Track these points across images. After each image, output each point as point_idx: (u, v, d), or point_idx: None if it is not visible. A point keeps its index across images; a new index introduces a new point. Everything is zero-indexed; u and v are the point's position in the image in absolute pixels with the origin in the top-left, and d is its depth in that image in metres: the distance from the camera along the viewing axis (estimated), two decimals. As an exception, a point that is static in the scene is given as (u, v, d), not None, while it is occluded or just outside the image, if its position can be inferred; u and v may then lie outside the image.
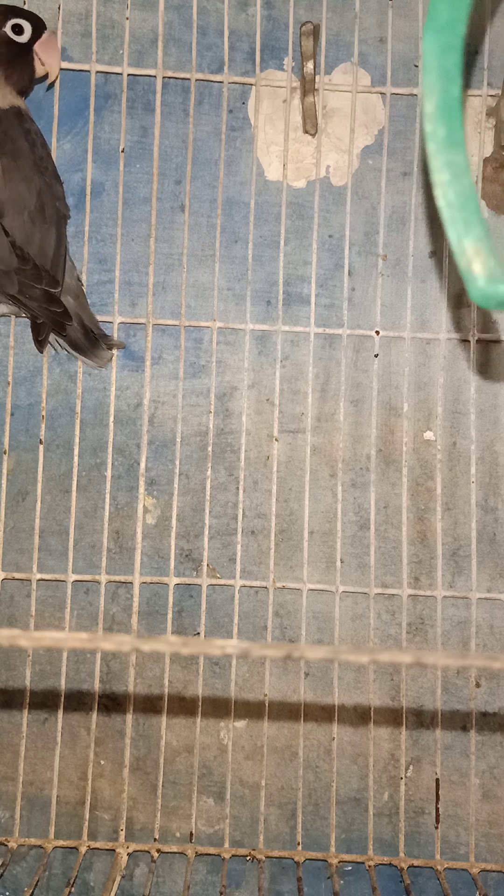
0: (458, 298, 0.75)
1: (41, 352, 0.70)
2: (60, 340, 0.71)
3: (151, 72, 0.74)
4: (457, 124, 0.26)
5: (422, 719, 0.73)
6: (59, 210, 0.69)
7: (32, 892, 0.64)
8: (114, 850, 0.71)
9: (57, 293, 0.67)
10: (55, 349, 0.73)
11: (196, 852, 0.70)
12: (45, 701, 0.73)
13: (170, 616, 0.72)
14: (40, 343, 0.69)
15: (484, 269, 0.25)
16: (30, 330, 0.74)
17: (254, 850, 0.71)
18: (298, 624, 0.73)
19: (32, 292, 0.66)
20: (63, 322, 0.68)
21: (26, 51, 0.69)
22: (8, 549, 0.74)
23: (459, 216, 0.26)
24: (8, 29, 0.68)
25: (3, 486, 0.73)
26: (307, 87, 0.72)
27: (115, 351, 0.73)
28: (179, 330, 0.74)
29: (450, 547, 0.74)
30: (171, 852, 0.71)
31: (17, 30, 0.68)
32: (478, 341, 0.74)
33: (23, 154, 0.67)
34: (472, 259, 0.26)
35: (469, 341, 0.74)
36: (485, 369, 0.75)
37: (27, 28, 0.68)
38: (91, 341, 0.71)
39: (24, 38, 0.68)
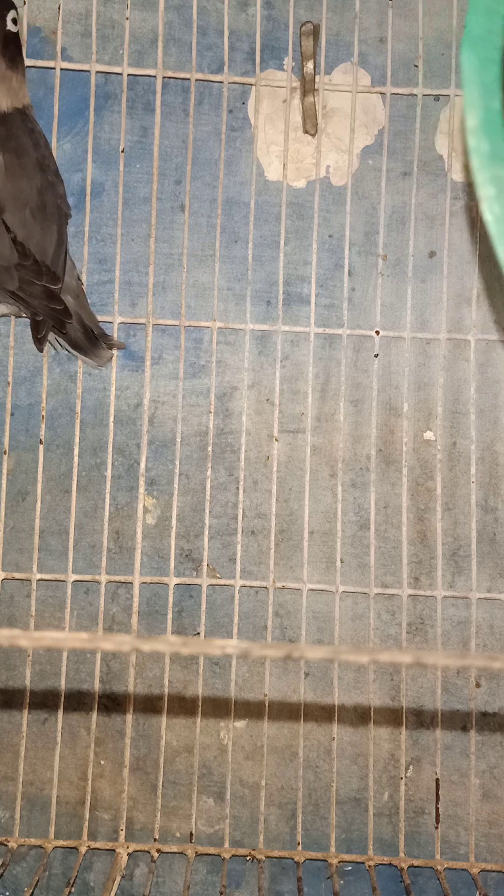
0: (459, 298, 0.75)
1: (41, 350, 0.70)
2: (60, 339, 0.71)
3: (151, 72, 0.74)
4: (500, 138, 0.26)
5: (422, 719, 0.73)
6: (61, 208, 0.69)
7: (32, 892, 0.64)
8: (114, 850, 0.71)
9: (57, 290, 0.67)
10: (55, 349, 0.73)
11: (196, 852, 0.70)
12: (45, 701, 0.73)
13: (170, 616, 0.72)
14: (40, 341, 0.68)
15: None
16: (29, 330, 0.74)
17: (254, 850, 0.71)
18: (298, 624, 0.73)
19: (33, 289, 0.66)
20: (63, 320, 0.68)
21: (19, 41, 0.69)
22: (8, 549, 0.74)
23: None
24: (8, 22, 0.67)
25: (3, 486, 0.73)
26: (307, 87, 0.72)
27: (115, 351, 0.73)
28: (179, 330, 0.74)
29: (450, 547, 0.74)
30: (171, 852, 0.71)
31: (14, 21, 0.68)
32: (478, 341, 0.74)
33: (26, 152, 0.67)
34: None
35: (469, 341, 0.74)
36: (485, 369, 0.75)
37: (17, 16, 0.69)
38: (91, 341, 0.71)
39: (17, 28, 0.68)
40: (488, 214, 0.26)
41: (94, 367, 0.73)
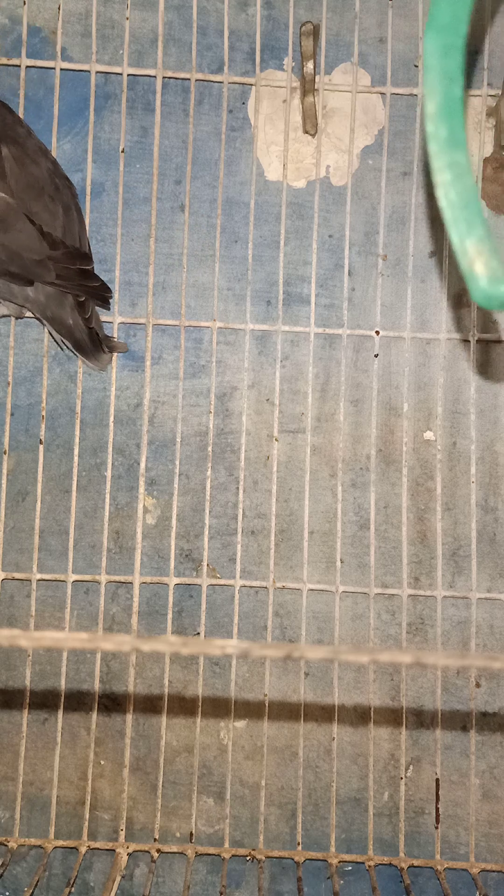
0: (458, 298, 0.75)
1: (91, 328, 0.70)
2: (65, 340, 0.70)
3: (151, 72, 0.74)
4: (458, 125, 0.26)
5: (422, 719, 0.73)
6: (70, 187, 0.70)
7: (32, 892, 0.64)
8: (114, 850, 0.71)
9: (91, 268, 0.68)
10: (61, 349, 0.73)
11: (196, 852, 0.70)
12: (45, 701, 0.73)
13: (170, 616, 0.72)
14: (87, 321, 0.70)
15: (486, 269, 0.25)
16: (29, 330, 0.75)
17: (254, 850, 0.71)
18: (298, 624, 0.73)
19: (69, 274, 0.66)
20: (104, 295, 0.69)
21: None
22: (8, 549, 0.74)
23: (461, 216, 0.26)
24: None
25: (3, 486, 0.73)
26: (307, 87, 0.72)
27: (115, 354, 0.73)
28: (179, 330, 0.74)
29: (450, 547, 0.74)
30: (171, 852, 0.71)
31: None
32: (478, 341, 0.74)
33: (24, 138, 0.67)
34: (474, 259, 0.26)
35: (469, 341, 0.74)
36: (485, 369, 0.75)
37: None
38: (94, 344, 0.71)
39: None
40: (443, 200, 0.26)
41: (93, 370, 0.73)
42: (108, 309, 0.72)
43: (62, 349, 0.73)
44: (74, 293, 0.68)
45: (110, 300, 0.71)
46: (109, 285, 0.73)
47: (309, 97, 0.73)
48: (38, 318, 0.71)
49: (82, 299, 0.69)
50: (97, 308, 0.72)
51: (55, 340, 0.72)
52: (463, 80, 0.26)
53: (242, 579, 0.73)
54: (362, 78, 0.76)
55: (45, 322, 0.70)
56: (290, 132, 0.75)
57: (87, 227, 0.73)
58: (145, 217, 0.75)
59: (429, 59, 0.26)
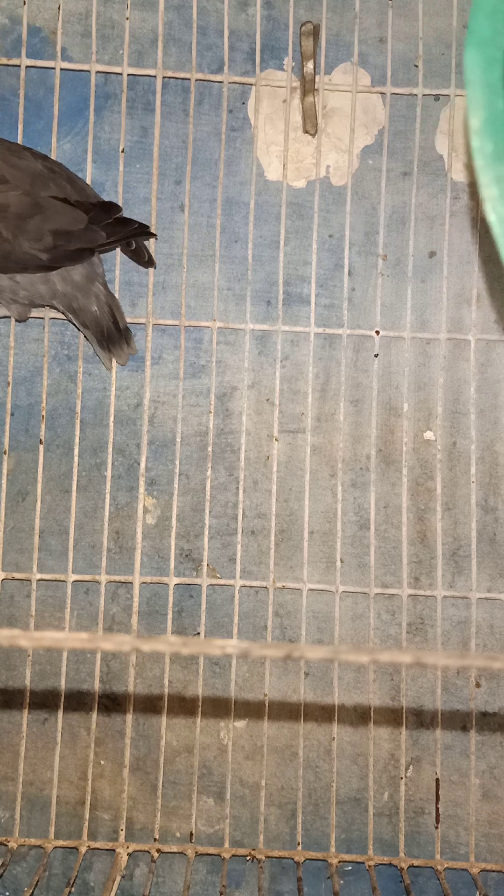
0: (459, 298, 0.75)
1: (154, 266, 0.73)
2: (90, 335, 0.71)
3: (151, 72, 0.74)
4: (503, 139, 0.26)
5: (422, 719, 0.73)
6: (57, 163, 0.70)
7: (32, 892, 0.64)
8: (114, 850, 0.71)
9: (122, 213, 0.69)
10: (86, 338, 0.73)
11: (196, 852, 0.70)
12: (45, 701, 0.73)
13: (170, 616, 0.72)
14: (148, 262, 0.72)
15: None
16: (29, 330, 0.75)
17: (254, 850, 0.71)
18: (298, 624, 0.73)
19: (113, 228, 0.67)
20: (147, 231, 0.71)
21: None
22: (8, 549, 0.74)
23: None
24: None
25: (3, 486, 0.73)
26: (307, 87, 0.72)
27: (135, 346, 0.73)
28: (179, 330, 0.74)
29: (450, 547, 0.74)
30: (171, 852, 0.71)
31: None
32: (478, 341, 0.74)
33: None
34: None
35: (469, 341, 0.74)
36: (485, 369, 0.75)
37: None
38: (120, 333, 0.71)
39: None
40: (492, 215, 0.26)
41: (119, 363, 0.73)
42: (156, 237, 0.73)
43: (88, 340, 0.72)
44: (127, 239, 0.69)
45: (150, 230, 0.72)
46: (109, 285, 0.73)
47: (309, 97, 0.73)
48: (63, 313, 0.71)
49: (133, 248, 0.71)
50: (118, 300, 0.72)
51: (82, 333, 0.72)
52: None
53: (242, 579, 0.73)
54: (362, 78, 0.76)
55: (71, 315, 0.70)
56: (290, 132, 0.75)
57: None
58: (145, 217, 0.75)
59: (470, 72, 0.26)
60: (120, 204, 0.74)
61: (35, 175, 0.66)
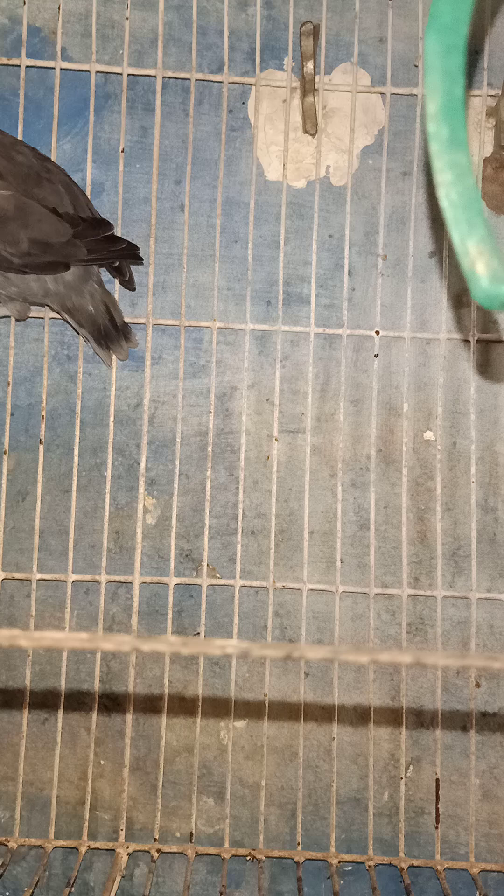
0: (458, 298, 0.75)
1: (133, 289, 0.72)
2: (86, 333, 0.71)
3: (151, 72, 0.74)
4: (459, 125, 0.26)
5: (422, 719, 0.73)
6: (56, 165, 0.70)
7: (32, 892, 0.64)
8: (114, 850, 0.71)
9: (113, 232, 0.68)
10: (78, 332, 0.73)
11: (196, 852, 0.70)
12: (45, 701, 0.73)
13: (170, 616, 0.72)
14: (128, 283, 0.72)
15: (487, 269, 0.25)
16: (29, 330, 0.75)
17: (254, 850, 0.71)
18: (298, 624, 0.73)
19: (98, 246, 0.67)
20: (135, 253, 0.70)
21: None
22: (8, 549, 0.74)
23: (462, 217, 0.26)
24: None
25: (3, 486, 0.73)
26: (307, 87, 0.72)
27: (135, 340, 0.73)
28: (179, 330, 0.74)
29: (450, 547, 0.74)
30: (171, 852, 0.71)
31: None
32: (478, 341, 0.74)
33: None
34: (475, 260, 0.26)
35: (469, 341, 0.74)
36: (485, 369, 0.75)
37: None
38: (117, 330, 0.71)
39: None
40: (444, 200, 0.26)
41: (119, 359, 0.73)
42: (142, 263, 0.73)
43: (86, 340, 0.72)
44: (109, 260, 0.68)
45: (141, 255, 0.72)
46: (108, 286, 0.73)
47: (309, 97, 0.73)
48: (58, 312, 0.71)
49: (116, 265, 0.70)
50: (114, 297, 0.72)
51: (77, 332, 0.72)
52: (464, 80, 0.26)
53: (242, 579, 0.73)
54: (362, 78, 0.76)
55: (65, 315, 0.70)
56: (290, 132, 0.75)
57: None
58: (145, 217, 0.75)
59: (430, 58, 0.26)
60: (119, 204, 0.74)
61: (30, 174, 0.66)
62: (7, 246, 0.64)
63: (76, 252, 0.66)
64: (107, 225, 0.68)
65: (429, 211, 0.76)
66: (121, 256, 0.69)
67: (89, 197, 0.73)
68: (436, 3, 0.26)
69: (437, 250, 0.75)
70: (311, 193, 0.76)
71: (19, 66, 0.73)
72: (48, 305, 0.71)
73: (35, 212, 0.64)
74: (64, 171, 0.70)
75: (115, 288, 0.73)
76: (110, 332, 0.71)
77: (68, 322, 0.71)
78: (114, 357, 0.73)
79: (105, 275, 0.73)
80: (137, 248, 0.70)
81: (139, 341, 0.74)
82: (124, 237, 0.75)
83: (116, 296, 0.73)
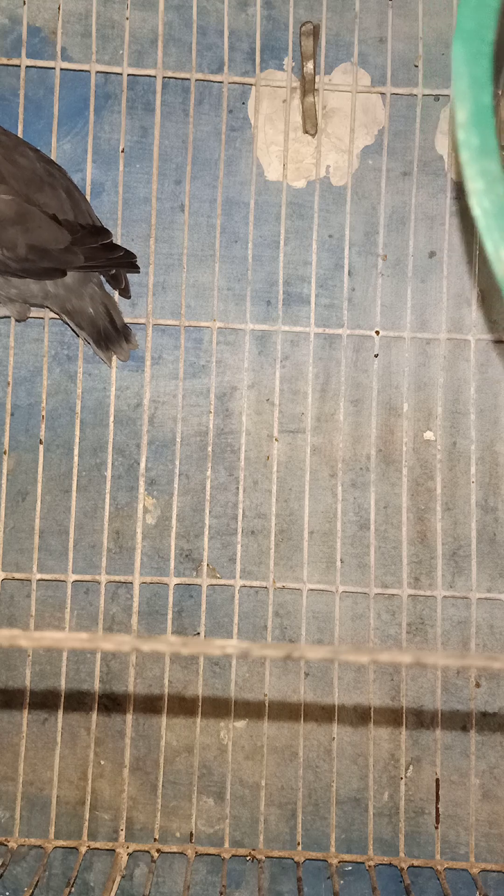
0: (458, 298, 0.75)
1: (128, 297, 0.72)
2: (88, 335, 0.71)
3: (151, 72, 0.74)
4: (489, 132, 0.26)
5: (422, 719, 0.73)
6: (60, 169, 0.70)
7: (32, 892, 0.64)
8: (114, 850, 0.71)
9: (111, 240, 0.68)
10: (77, 334, 0.73)
11: (196, 852, 0.70)
12: (45, 701, 0.73)
13: (170, 616, 0.72)
14: (124, 291, 0.71)
15: None
16: (29, 330, 0.75)
17: (254, 850, 0.71)
18: (298, 624, 0.73)
19: (95, 253, 0.67)
20: (132, 262, 0.70)
21: None
22: (8, 549, 0.74)
23: (495, 224, 0.26)
24: None
25: (3, 486, 0.73)
26: (307, 87, 0.72)
27: (135, 342, 0.73)
28: (179, 330, 0.74)
29: (450, 547, 0.74)
30: (171, 852, 0.71)
31: None
32: (478, 341, 0.74)
33: (1, 135, 0.67)
34: None
35: (469, 341, 0.74)
36: (485, 369, 0.75)
37: None
38: (117, 331, 0.71)
39: None
40: (477, 209, 0.26)
41: (120, 360, 0.73)
42: (139, 272, 0.72)
43: (86, 342, 0.72)
44: (106, 268, 0.68)
45: (138, 264, 0.72)
46: (106, 285, 0.73)
47: (309, 97, 0.73)
48: (57, 314, 0.71)
49: (113, 272, 0.70)
50: (114, 299, 0.72)
51: (77, 334, 0.72)
52: (492, 87, 0.26)
53: (242, 579, 0.73)
54: (362, 78, 0.76)
55: (65, 317, 0.70)
56: (290, 132, 0.75)
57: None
58: (145, 217, 0.75)
59: (457, 66, 0.26)
60: (119, 204, 0.74)
61: (33, 178, 0.66)
62: (5, 251, 0.64)
63: (73, 259, 0.66)
64: (105, 233, 0.68)
65: (429, 211, 0.76)
66: (117, 265, 0.69)
67: (89, 197, 0.73)
68: (461, 10, 0.26)
69: (437, 250, 0.75)
70: (311, 193, 0.76)
71: (19, 66, 0.73)
72: (48, 307, 0.71)
73: (35, 218, 0.64)
74: (66, 175, 0.70)
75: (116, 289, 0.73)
76: (110, 334, 0.71)
77: (68, 324, 0.71)
78: (114, 357, 0.73)
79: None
80: (135, 257, 0.70)
81: (139, 342, 0.74)
82: (124, 237, 0.75)
83: (116, 297, 0.73)
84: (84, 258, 0.66)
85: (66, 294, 0.68)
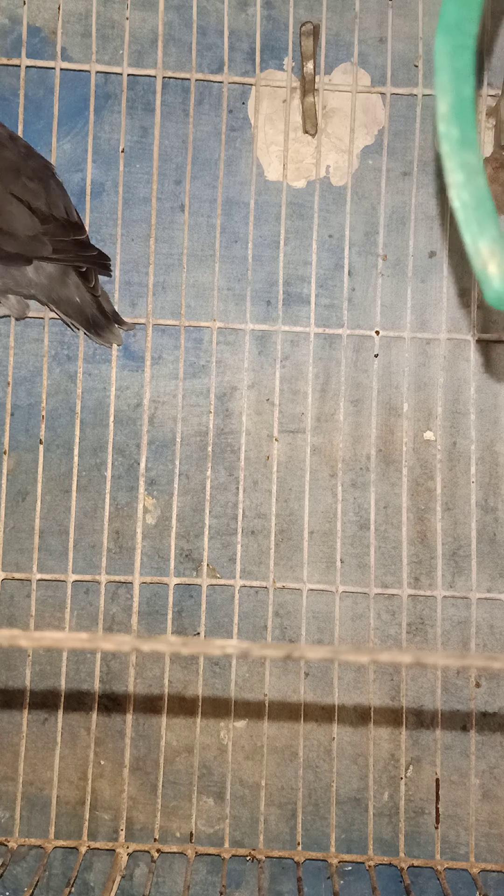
0: (458, 298, 0.75)
1: (97, 295, 0.71)
2: (76, 323, 0.71)
3: (151, 72, 0.74)
4: (469, 125, 0.26)
5: (422, 719, 0.73)
6: (48, 165, 0.70)
7: (32, 892, 0.64)
8: (114, 850, 0.71)
9: (85, 238, 0.68)
10: (72, 329, 0.73)
11: (196, 852, 0.70)
12: (45, 701, 0.73)
13: (170, 616, 0.72)
14: (93, 290, 0.70)
15: (499, 270, 0.25)
16: (29, 330, 0.75)
17: (254, 850, 0.71)
18: (298, 624, 0.73)
19: (65, 247, 0.67)
20: (105, 263, 0.70)
21: None
22: (8, 549, 0.74)
23: (474, 217, 0.26)
24: None
25: (3, 486, 0.73)
26: (307, 87, 0.72)
27: (130, 324, 0.73)
28: (179, 330, 0.74)
29: (450, 547, 0.74)
30: (171, 852, 0.71)
31: None
32: (478, 341, 0.74)
33: None
34: (487, 260, 0.25)
35: (469, 341, 0.74)
36: (485, 369, 0.75)
37: None
38: (107, 318, 0.71)
39: None
40: (456, 201, 0.26)
41: (107, 345, 0.73)
42: (110, 276, 0.73)
43: (72, 329, 0.72)
44: (74, 264, 0.68)
45: (111, 267, 0.72)
46: (109, 285, 0.73)
47: (309, 97, 0.73)
48: (45, 304, 0.71)
49: (83, 269, 0.69)
50: (102, 288, 0.72)
51: (67, 324, 0.72)
52: (474, 80, 0.26)
53: (242, 579, 0.73)
54: (362, 78, 0.76)
55: (52, 306, 0.70)
56: (290, 132, 0.75)
57: (87, 225, 0.73)
58: (145, 217, 0.75)
59: (439, 58, 0.26)
60: (119, 204, 0.74)
61: (10, 168, 0.66)
62: None
63: (40, 248, 0.66)
64: (79, 228, 0.68)
65: (429, 211, 0.76)
66: (86, 262, 0.69)
67: (89, 197, 0.73)
68: (444, 3, 0.26)
69: (437, 250, 0.75)
70: (311, 193, 0.76)
71: (19, 66, 0.73)
72: (37, 298, 0.71)
73: (7, 203, 0.65)
74: (50, 171, 0.70)
75: (115, 288, 0.73)
76: (99, 321, 0.71)
77: (57, 314, 0.71)
78: (114, 346, 0.73)
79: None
80: (108, 259, 0.70)
81: (140, 341, 0.74)
82: (124, 237, 0.75)
83: (116, 292, 0.73)
84: (52, 249, 0.66)
85: (49, 283, 0.69)
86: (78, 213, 0.71)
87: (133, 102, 0.75)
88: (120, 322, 0.72)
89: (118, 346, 0.73)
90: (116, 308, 0.73)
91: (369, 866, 0.70)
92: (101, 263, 0.70)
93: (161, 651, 0.25)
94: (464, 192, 0.26)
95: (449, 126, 0.26)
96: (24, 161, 0.67)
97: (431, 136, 0.76)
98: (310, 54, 0.71)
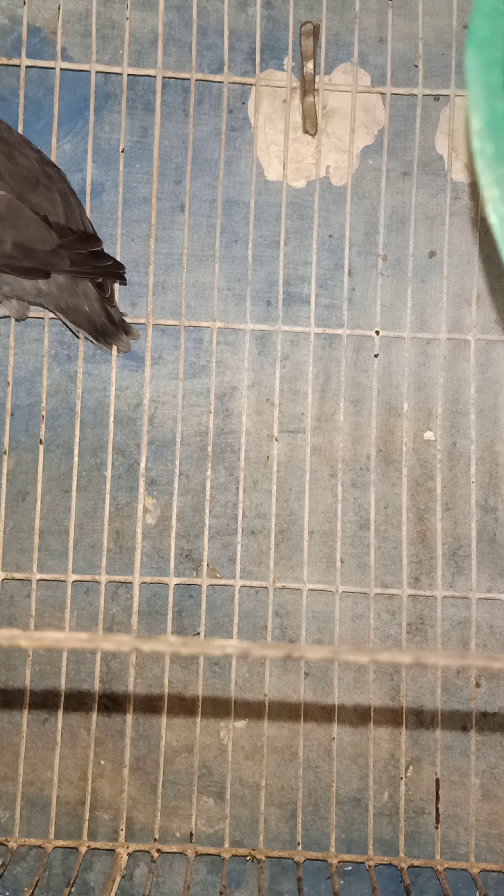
0: (459, 298, 0.75)
1: (112, 306, 0.71)
2: (84, 331, 0.71)
3: (151, 72, 0.74)
4: None
5: (422, 719, 0.73)
6: (59, 172, 0.69)
7: (32, 892, 0.64)
8: (114, 850, 0.71)
9: (101, 248, 0.68)
10: (77, 336, 0.73)
11: (196, 852, 0.70)
12: (45, 701, 0.73)
13: (170, 616, 0.72)
14: (109, 300, 0.71)
15: None
16: (29, 330, 0.75)
17: (254, 850, 0.71)
18: (298, 624, 0.73)
19: (82, 259, 0.67)
20: (120, 272, 0.70)
21: None
22: (8, 549, 0.74)
23: None
24: None
25: (3, 486, 0.73)
26: (307, 87, 0.72)
27: (136, 333, 0.73)
28: (179, 330, 0.74)
29: (450, 547, 0.74)
30: (171, 852, 0.71)
31: None
32: (478, 341, 0.74)
33: (5, 132, 0.67)
34: None
35: (469, 341, 0.74)
36: (485, 369, 0.75)
37: None
38: (115, 325, 0.71)
39: None
40: (493, 216, 0.26)
41: (122, 351, 0.73)
42: (125, 284, 0.73)
43: (75, 335, 0.72)
44: (91, 275, 0.68)
45: (125, 275, 0.72)
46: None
47: (309, 97, 0.73)
48: (52, 312, 0.71)
49: (99, 280, 0.69)
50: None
51: (73, 332, 0.72)
52: None
53: (242, 579, 0.73)
54: (362, 78, 0.76)
55: (60, 315, 0.70)
56: (290, 132, 0.75)
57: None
58: (145, 217, 0.75)
59: (471, 74, 0.26)
60: (119, 204, 0.74)
61: (28, 178, 0.66)
62: None
63: (58, 262, 0.66)
64: (95, 240, 0.68)
65: (428, 211, 0.76)
66: (103, 273, 0.69)
67: (89, 198, 0.73)
68: (474, 18, 0.26)
69: (437, 250, 0.75)
70: (311, 193, 0.76)
71: (19, 66, 0.73)
72: (44, 306, 0.71)
73: (24, 216, 0.65)
74: (65, 179, 0.70)
75: (117, 287, 0.73)
76: (108, 329, 0.71)
77: (65, 323, 0.71)
78: (115, 348, 0.73)
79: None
80: (123, 268, 0.70)
81: (140, 341, 0.74)
82: (124, 237, 0.75)
83: (116, 293, 0.73)
84: (70, 262, 0.66)
85: (58, 292, 0.68)
86: (91, 223, 0.71)
87: (133, 102, 0.75)
88: (128, 331, 0.72)
89: (124, 352, 0.73)
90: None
91: (369, 866, 0.70)
92: (117, 273, 0.70)
93: (161, 651, 0.25)
94: (501, 207, 0.26)
95: (483, 142, 0.26)
96: (41, 168, 0.67)
97: (431, 136, 0.76)
98: (310, 54, 0.71)
